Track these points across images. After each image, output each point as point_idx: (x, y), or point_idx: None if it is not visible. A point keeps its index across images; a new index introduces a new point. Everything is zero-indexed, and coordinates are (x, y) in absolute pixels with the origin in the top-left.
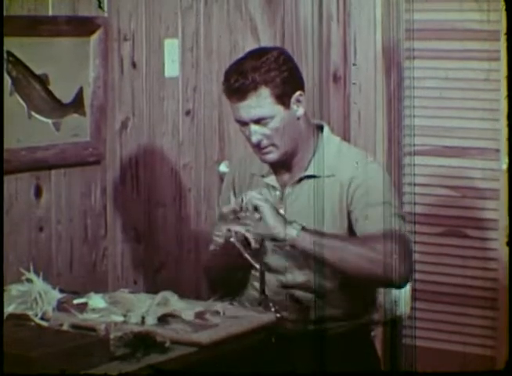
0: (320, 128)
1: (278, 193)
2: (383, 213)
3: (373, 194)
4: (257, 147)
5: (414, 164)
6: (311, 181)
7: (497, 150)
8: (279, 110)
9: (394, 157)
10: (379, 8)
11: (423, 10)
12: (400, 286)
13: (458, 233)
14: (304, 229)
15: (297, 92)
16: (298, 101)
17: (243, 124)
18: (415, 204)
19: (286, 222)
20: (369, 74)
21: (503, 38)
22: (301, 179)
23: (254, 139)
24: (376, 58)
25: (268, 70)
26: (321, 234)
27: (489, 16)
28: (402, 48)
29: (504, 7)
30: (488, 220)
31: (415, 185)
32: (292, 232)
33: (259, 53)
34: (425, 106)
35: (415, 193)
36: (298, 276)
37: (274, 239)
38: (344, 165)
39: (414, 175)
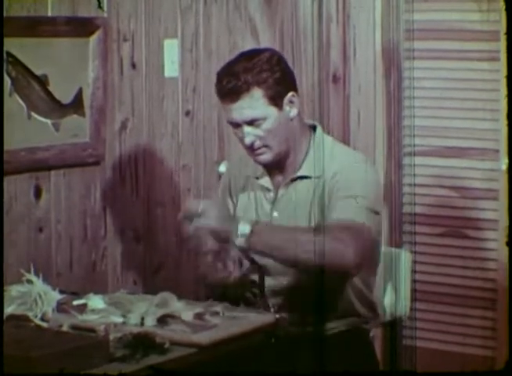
0: (313, 129)
1: (272, 194)
2: (351, 205)
3: (349, 188)
4: (251, 149)
5: (414, 165)
6: (304, 181)
7: (496, 151)
8: (271, 111)
9: (394, 157)
10: (378, 8)
11: (422, 10)
12: (346, 273)
13: (458, 234)
14: (253, 226)
15: (290, 93)
16: (291, 102)
17: (236, 125)
18: (415, 204)
19: (236, 224)
20: (369, 74)
21: (503, 38)
22: (293, 180)
23: (247, 140)
24: (376, 58)
25: (261, 71)
26: (269, 232)
27: (489, 17)
28: (401, 48)
29: (504, 7)
30: (487, 221)
31: (415, 185)
32: (244, 231)
33: (251, 54)
34: (425, 107)
35: (415, 194)
36: (295, 278)
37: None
38: (333, 164)
39: (414, 175)
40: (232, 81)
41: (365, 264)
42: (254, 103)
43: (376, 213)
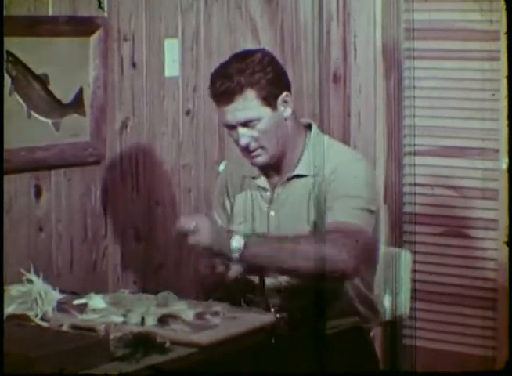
0: (308, 127)
1: (268, 194)
2: (346, 205)
3: (345, 188)
4: (246, 150)
5: (414, 164)
6: (301, 180)
7: (496, 150)
8: (265, 111)
9: (394, 157)
10: (379, 7)
11: (422, 10)
12: (344, 278)
13: (457, 234)
14: (247, 239)
15: (284, 93)
16: (285, 102)
17: (231, 127)
18: (415, 204)
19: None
20: (369, 74)
21: (503, 38)
22: (290, 179)
23: (243, 142)
24: (376, 58)
25: (253, 72)
26: (260, 244)
27: (490, 16)
28: (401, 48)
29: (504, 7)
30: (487, 220)
31: (415, 185)
32: (239, 243)
33: (243, 56)
34: (425, 106)
35: (415, 194)
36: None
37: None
38: (330, 162)
39: (414, 175)
40: (225, 83)
41: (363, 266)
42: (247, 104)
43: (371, 212)
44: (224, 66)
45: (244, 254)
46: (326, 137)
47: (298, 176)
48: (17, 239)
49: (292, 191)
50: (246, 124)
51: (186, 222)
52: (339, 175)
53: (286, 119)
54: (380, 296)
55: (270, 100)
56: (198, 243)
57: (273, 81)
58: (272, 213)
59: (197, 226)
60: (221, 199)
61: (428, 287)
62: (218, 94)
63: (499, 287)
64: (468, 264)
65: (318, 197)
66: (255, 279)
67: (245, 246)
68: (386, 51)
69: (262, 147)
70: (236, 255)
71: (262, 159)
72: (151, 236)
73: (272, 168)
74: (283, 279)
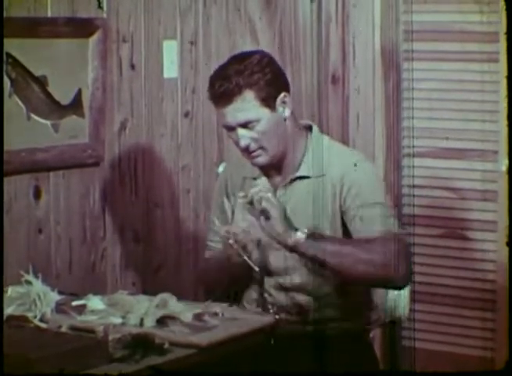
0: (309, 129)
1: None
2: (378, 214)
3: (365, 194)
4: (246, 151)
5: (413, 166)
6: (303, 182)
7: (495, 152)
8: (264, 112)
9: (393, 158)
10: (377, 9)
11: (421, 11)
12: (400, 287)
13: (457, 235)
14: (309, 235)
15: (282, 94)
16: (284, 102)
17: (230, 129)
18: (414, 205)
19: (293, 227)
20: (368, 75)
21: (503, 38)
22: (292, 180)
23: (242, 143)
24: (375, 59)
25: (252, 73)
26: (324, 240)
27: (488, 18)
28: (400, 49)
29: (504, 8)
30: (486, 222)
31: (414, 187)
32: (300, 237)
33: (241, 57)
34: (424, 108)
35: (414, 195)
36: (295, 278)
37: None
38: (335, 164)
39: (413, 176)
40: (223, 85)
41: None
42: (246, 105)
43: (393, 217)
44: (222, 68)
45: (304, 244)
46: (327, 138)
47: (300, 178)
48: (16, 240)
49: (294, 192)
50: (245, 125)
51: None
52: (354, 181)
53: (285, 120)
54: (380, 297)
55: (269, 101)
56: (268, 221)
57: (272, 82)
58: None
59: (267, 208)
60: (219, 200)
61: (428, 288)
62: (216, 95)
63: (499, 288)
64: (467, 265)
65: (324, 199)
66: (255, 279)
67: (307, 236)
68: (385, 52)
69: (262, 148)
70: (296, 241)
71: (263, 159)
72: (150, 238)
73: (274, 169)
74: (283, 279)
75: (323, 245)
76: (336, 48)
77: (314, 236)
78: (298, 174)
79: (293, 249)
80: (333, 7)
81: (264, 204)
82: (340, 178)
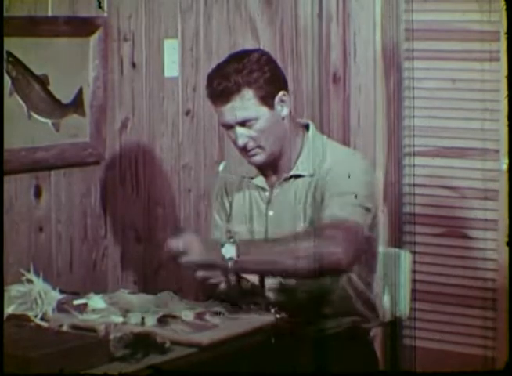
0: (306, 127)
1: (267, 193)
2: (342, 202)
3: (340, 185)
4: (244, 150)
5: (414, 165)
6: (298, 180)
7: (496, 151)
8: (263, 111)
9: (393, 157)
10: (378, 8)
11: (422, 11)
12: (338, 272)
13: (457, 234)
14: (237, 244)
15: (281, 92)
16: (282, 101)
17: (229, 127)
18: (414, 204)
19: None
20: (369, 74)
21: (503, 38)
22: (288, 179)
23: (240, 141)
24: (376, 58)
25: (250, 71)
26: (252, 245)
27: (489, 17)
28: (401, 48)
29: (504, 7)
30: (487, 221)
31: (414, 185)
32: (231, 252)
33: (240, 56)
34: (425, 107)
35: (414, 194)
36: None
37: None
38: (328, 162)
39: (414, 175)
40: (222, 83)
41: (358, 262)
42: (245, 104)
43: (368, 209)
44: (221, 66)
45: (239, 262)
46: (323, 137)
47: (296, 176)
48: (17, 239)
49: (290, 191)
50: (243, 123)
51: (174, 244)
52: (334, 174)
53: (283, 118)
54: (380, 296)
55: (267, 100)
56: (190, 262)
57: (270, 81)
58: (271, 213)
59: (186, 246)
60: (219, 198)
61: (428, 287)
62: (215, 94)
63: (499, 287)
64: (468, 264)
65: (315, 196)
66: (255, 279)
67: (238, 254)
68: (386, 51)
69: (260, 146)
70: (230, 264)
71: (260, 158)
72: (151, 236)
73: (270, 168)
74: (283, 279)
75: (257, 256)
76: (337, 47)
77: (244, 246)
78: (293, 172)
79: (234, 269)
80: (333, 6)
81: (181, 245)
82: (325, 173)
